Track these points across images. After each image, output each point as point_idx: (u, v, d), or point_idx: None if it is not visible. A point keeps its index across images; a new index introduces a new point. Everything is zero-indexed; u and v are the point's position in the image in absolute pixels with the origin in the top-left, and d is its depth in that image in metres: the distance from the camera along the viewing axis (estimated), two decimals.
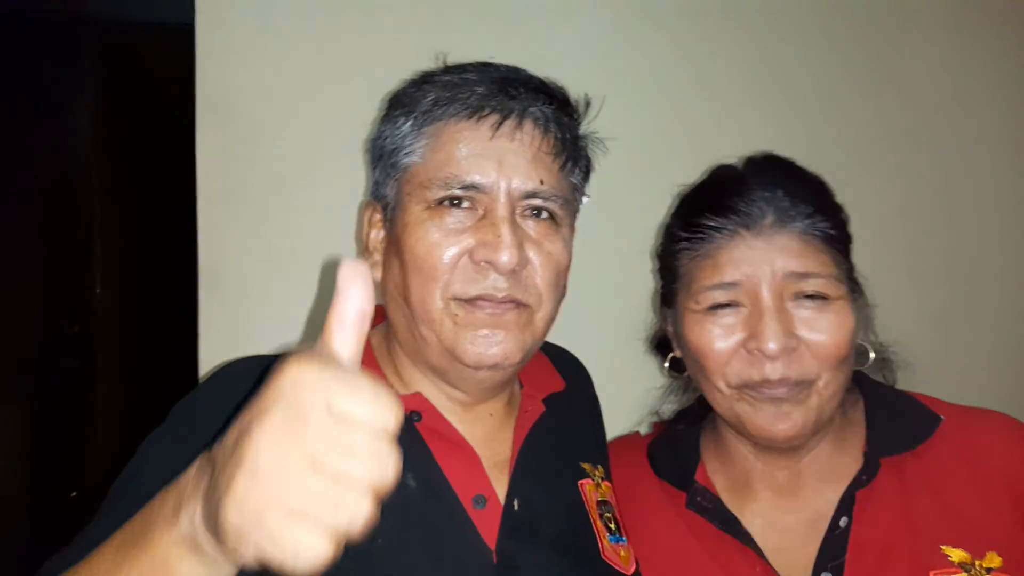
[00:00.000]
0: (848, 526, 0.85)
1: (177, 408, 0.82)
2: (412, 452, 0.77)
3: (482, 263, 0.77)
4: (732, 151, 1.20)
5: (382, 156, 0.83)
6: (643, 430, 1.09)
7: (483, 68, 0.82)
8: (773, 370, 0.83)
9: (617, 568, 0.83)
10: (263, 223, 1.29)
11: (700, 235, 0.87)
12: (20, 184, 1.90)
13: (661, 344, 0.99)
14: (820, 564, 0.83)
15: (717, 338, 0.86)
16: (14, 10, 1.70)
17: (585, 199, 0.91)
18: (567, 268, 0.84)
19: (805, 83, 1.50)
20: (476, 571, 0.75)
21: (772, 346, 0.82)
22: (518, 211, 0.80)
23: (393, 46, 1.31)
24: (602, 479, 0.91)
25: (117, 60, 2.16)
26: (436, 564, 0.75)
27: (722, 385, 0.87)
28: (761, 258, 0.85)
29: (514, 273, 0.78)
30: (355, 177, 1.25)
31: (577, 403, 0.96)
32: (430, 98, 0.81)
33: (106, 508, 0.78)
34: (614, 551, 0.84)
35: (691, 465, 0.93)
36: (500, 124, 0.79)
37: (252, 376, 0.77)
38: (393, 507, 0.69)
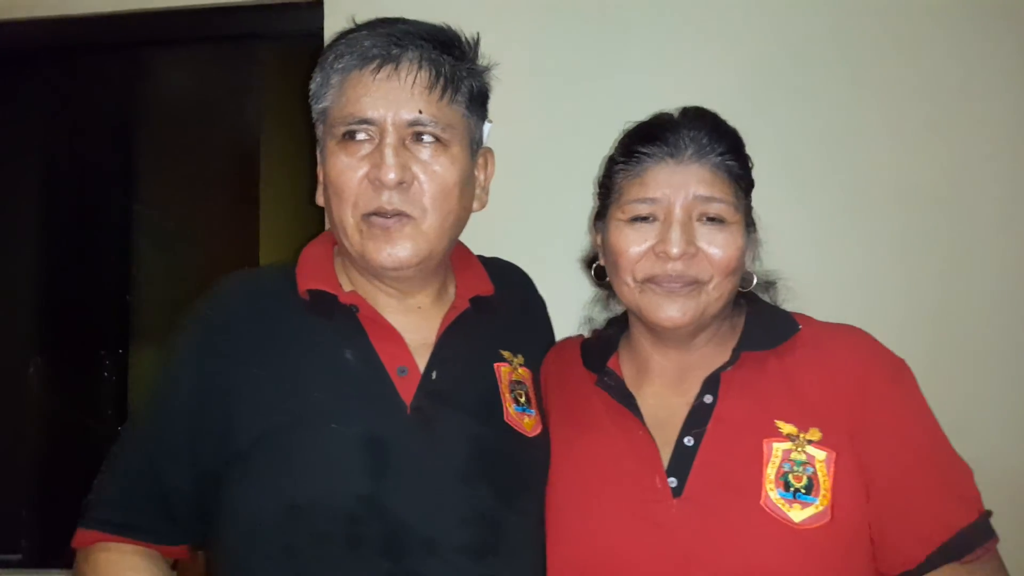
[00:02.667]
0: (713, 403, 1.06)
1: (185, 324, 1.07)
2: (352, 335, 1.04)
3: (376, 182, 0.99)
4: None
5: (311, 106, 1.07)
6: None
7: (375, 25, 1.04)
8: (673, 268, 1.03)
9: (517, 429, 1.07)
10: None
11: (635, 159, 1.08)
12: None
13: (592, 260, 1.20)
14: (685, 430, 1.05)
15: (633, 242, 1.06)
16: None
17: (487, 124, 1.13)
18: (457, 183, 1.04)
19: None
20: (393, 421, 1.00)
21: (675, 250, 1.02)
22: (406, 138, 1.01)
23: None
24: (521, 365, 1.14)
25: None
26: (362, 414, 1.00)
27: (629, 279, 1.06)
28: (679, 181, 1.05)
29: (403, 189, 1.00)
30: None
31: (508, 306, 1.18)
32: (333, 55, 1.04)
33: (137, 428, 1.04)
34: (518, 417, 1.08)
35: (607, 355, 1.15)
36: (380, 68, 1.01)
37: (250, 285, 1.09)
38: (334, 373, 0.93)
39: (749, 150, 1.11)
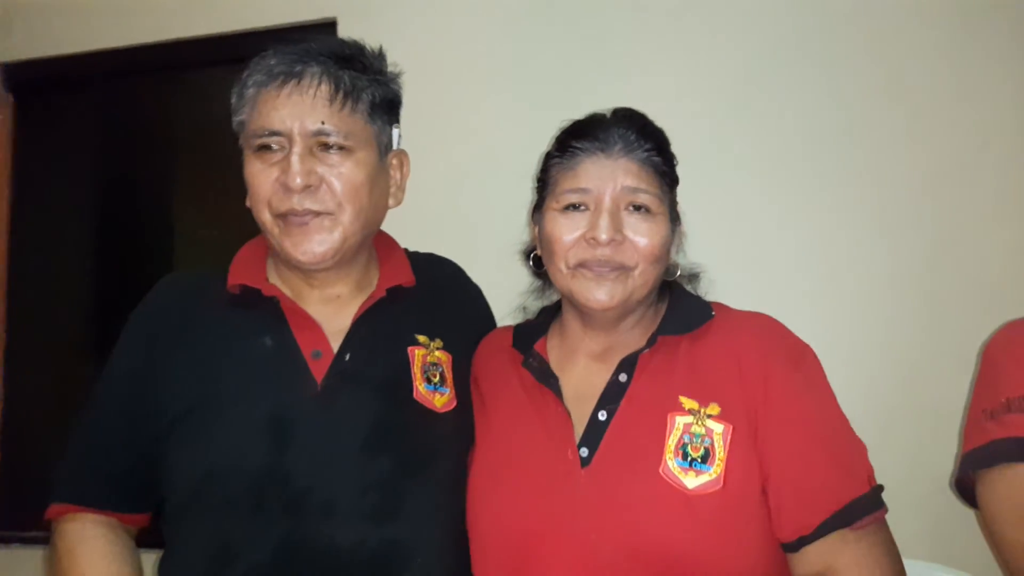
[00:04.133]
0: (627, 381, 1.12)
1: (130, 316, 1.21)
2: (272, 323, 1.14)
3: (284, 187, 1.09)
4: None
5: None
6: None
7: (283, 47, 1.13)
8: (602, 253, 1.09)
9: (426, 405, 1.15)
10: None
11: (569, 153, 1.15)
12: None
13: (531, 251, 1.27)
14: (600, 405, 1.11)
15: (566, 230, 1.13)
16: None
17: (395, 129, 1.22)
18: (364, 183, 1.13)
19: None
20: (303, 398, 1.10)
21: (604, 236, 1.08)
22: (313, 146, 1.10)
23: None
24: (439, 349, 1.21)
25: None
26: (274, 392, 1.10)
27: (563, 265, 1.13)
28: (609, 174, 1.11)
29: (311, 191, 1.09)
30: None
31: (431, 295, 1.26)
32: (247, 74, 1.13)
33: (90, 411, 1.17)
34: (428, 395, 1.15)
35: (536, 338, 1.22)
36: (285, 83, 1.10)
37: (185, 282, 1.21)
38: (251, 357, 1.05)
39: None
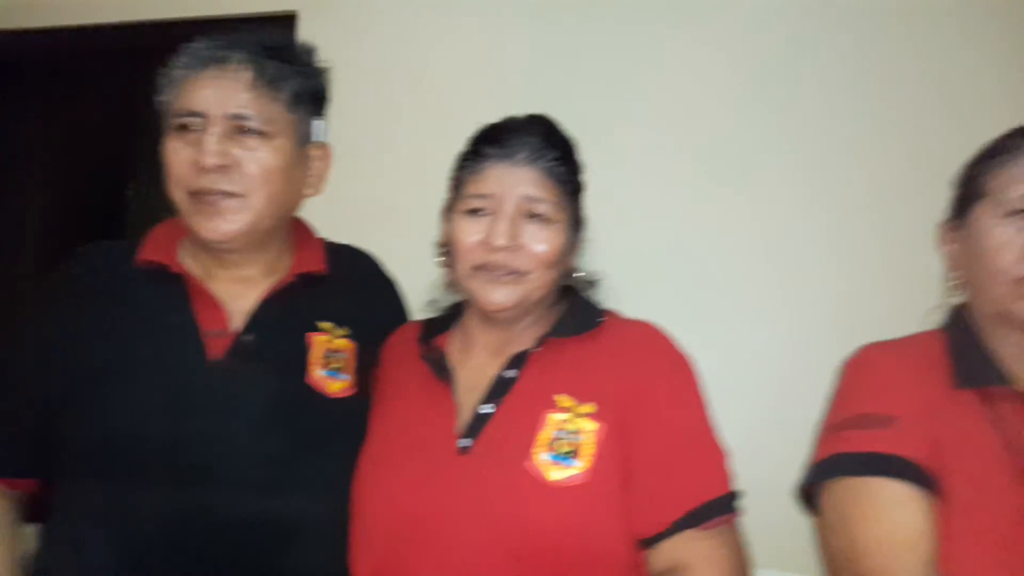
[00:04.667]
0: (514, 377, 1.19)
1: (44, 283, 1.25)
2: (176, 300, 1.20)
3: (197, 165, 1.14)
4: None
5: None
6: None
7: (212, 37, 1.19)
8: (499, 258, 1.15)
9: (317, 390, 1.21)
10: None
11: (478, 157, 1.21)
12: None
13: (444, 247, 1.31)
14: (485, 399, 1.18)
15: (469, 233, 1.18)
16: None
17: (319, 122, 1.27)
18: (280, 169, 1.18)
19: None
20: (199, 374, 1.16)
21: (500, 242, 1.14)
22: (232, 130, 1.16)
23: None
24: (343, 337, 1.27)
25: None
26: (171, 367, 1.16)
27: (464, 266, 1.18)
28: (511, 181, 1.16)
29: (224, 172, 1.14)
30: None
31: (343, 285, 1.32)
32: (176, 58, 1.19)
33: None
34: (322, 380, 1.21)
35: (438, 332, 1.29)
36: (209, 67, 1.16)
37: (100, 252, 1.26)
38: (152, 331, 1.12)
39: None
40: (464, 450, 1.13)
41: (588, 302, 1.28)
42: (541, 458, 1.10)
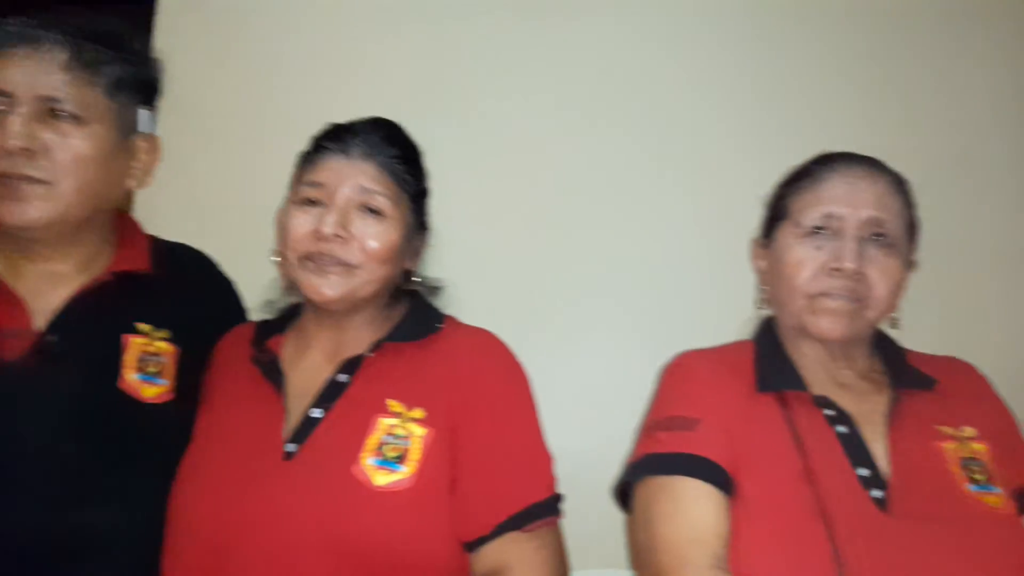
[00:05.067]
0: (347, 382, 1.16)
1: None
2: None
3: (3, 147, 1.06)
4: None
5: None
6: None
7: (32, 18, 1.11)
8: (327, 248, 1.13)
9: (130, 395, 1.13)
10: None
11: (317, 150, 1.20)
12: None
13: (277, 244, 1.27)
14: (316, 403, 1.15)
15: (300, 223, 1.15)
16: None
17: (145, 112, 1.21)
18: (94, 157, 1.11)
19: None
20: None
21: (327, 230, 1.12)
22: (43, 112, 1.09)
23: None
24: (163, 339, 1.20)
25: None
26: None
27: (293, 257, 1.16)
28: (346, 173, 1.15)
29: (31, 156, 1.07)
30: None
31: (168, 285, 1.25)
32: None
33: None
34: (137, 384, 1.14)
35: (271, 334, 1.25)
36: (20, 46, 1.09)
37: None
38: None
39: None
40: (289, 456, 1.10)
41: (427, 307, 1.28)
42: (368, 463, 1.09)
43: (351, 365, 1.18)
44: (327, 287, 1.14)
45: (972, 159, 1.74)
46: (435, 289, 1.31)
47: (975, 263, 1.72)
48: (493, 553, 1.10)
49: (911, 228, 1.25)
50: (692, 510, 1.10)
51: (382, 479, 1.07)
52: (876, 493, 1.09)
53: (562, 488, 1.17)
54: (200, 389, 1.23)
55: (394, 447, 1.10)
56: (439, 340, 1.21)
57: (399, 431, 1.11)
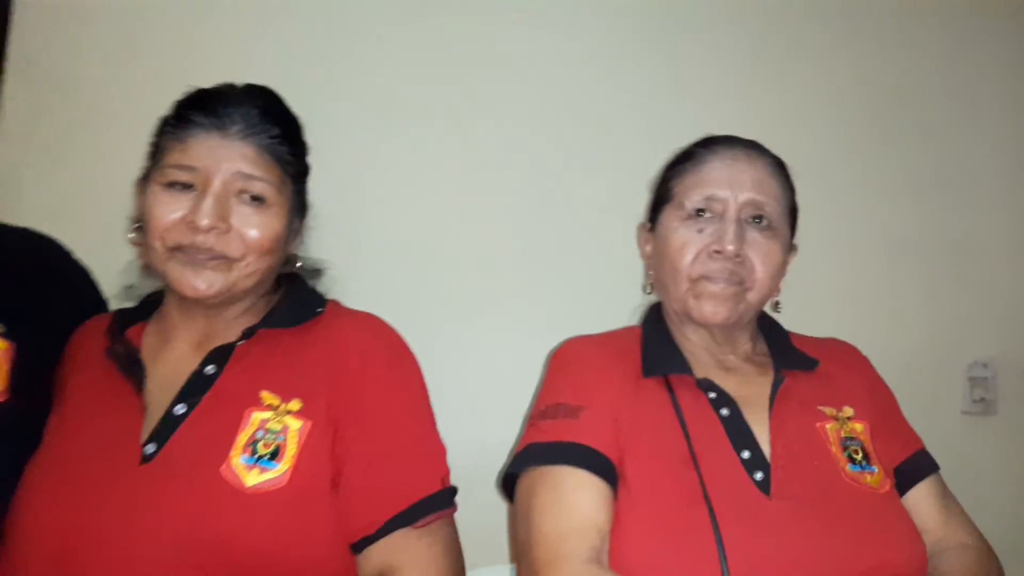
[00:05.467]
0: (215, 373, 1.06)
1: None
2: None
3: None
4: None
5: None
6: None
7: None
8: (203, 241, 1.02)
9: None
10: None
11: (184, 123, 1.06)
12: None
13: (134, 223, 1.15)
14: (179, 398, 1.04)
15: (168, 209, 1.03)
16: None
17: None
18: None
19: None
20: None
21: (205, 222, 1.01)
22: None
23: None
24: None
25: None
26: None
27: (159, 246, 1.04)
28: (223, 155, 1.04)
29: None
30: None
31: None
32: None
33: None
34: None
35: (129, 324, 1.13)
36: None
37: None
38: None
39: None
40: (148, 457, 0.99)
41: (307, 292, 1.19)
42: (238, 462, 0.99)
43: (220, 355, 1.08)
44: (202, 282, 1.04)
45: (856, 150, 1.81)
46: (316, 272, 1.22)
47: (861, 250, 1.79)
48: (381, 553, 1.02)
49: (791, 212, 1.26)
50: (570, 500, 1.05)
51: (254, 478, 0.98)
52: (758, 476, 1.08)
53: (460, 482, 1.11)
54: (48, 388, 1.11)
55: (267, 442, 1.01)
56: (319, 326, 1.13)
57: (273, 425, 1.03)
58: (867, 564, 1.01)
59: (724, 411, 1.15)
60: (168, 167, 1.05)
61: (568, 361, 1.23)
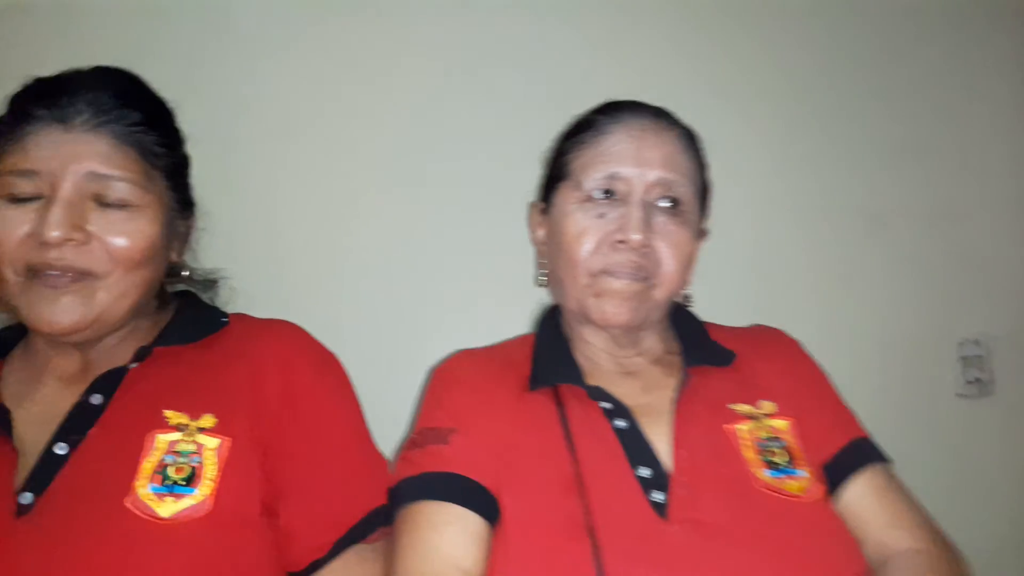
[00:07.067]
0: (103, 403, 0.92)
1: None
2: None
3: None
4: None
5: None
6: None
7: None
8: (58, 258, 0.87)
9: None
10: None
11: (22, 122, 0.90)
12: None
13: None
14: (58, 437, 0.89)
15: (11, 225, 0.87)
16: None
17: None
18: None
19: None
20: None
21: (55, 233, 0.85)
22: None
23: None
24: None
25: None
26: None
27: (11, 274, 0.89)
28: (69, 153, 0.88)
29: None
30: None
31: None
32: None
33: None
34: None
35: None
36: None
37: None
38: None
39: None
40: (25, 508, 0.85)
41: (206, 306, 1.07)
42: (146, 491, 0.86)
43: (109, 381, 0.93)
44: (60, 314, 0.88)
45: (829, 117, 1.70)
46: (211, 283, 1.11)
47: (837, 223, 1.68)
48: (332, 574, 0.92)
49: (703, 192, 1.11)
50: (430, 542, 0.93)
51: (169, 508, 0.85)
52: (657, 496, 0.94)
53: None
54: None
55: (179, 467, 0.89)
56: (227, 338, 1.00)
57: (185, 446, 0.90)
58: None
59: (620, 423, 1.00)
60: (5, 176, 0.89)
61: (442, 380, 1.10)
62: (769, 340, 1.15)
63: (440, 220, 1.54)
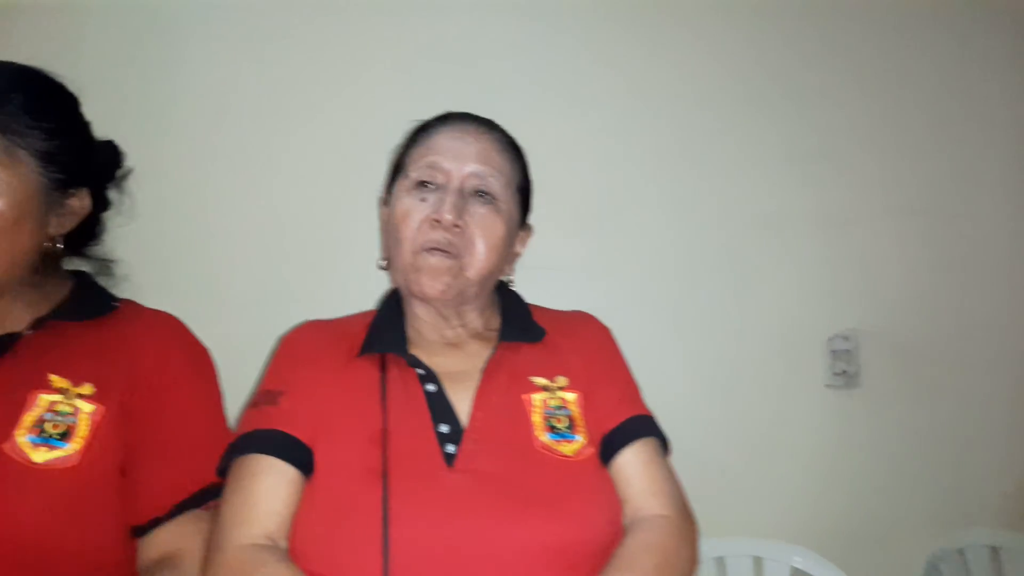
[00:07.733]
0: None
1: None
2: None
3: None
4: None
5: None
6: None
7: None
8: None
9: None
10: None
11: None
12: None
13: None
14: None
15: None
16: None
17: None
18: None
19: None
20: None
21: None
22: None
23: None
24: None
25: None
26: None
27: None
28: None
29: None
30: None
31: None
32: None
33: None
34: None
35: None
36: None
37: None
38: None
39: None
40: None
41: (99, 287, 1.20)
42: (24, 440, 1.01)
43: (1, 344, 1.07)
44: None
45: (725, 123, 1.82)
46: (106, 265, 1.23)
47: (727, 226, 1.81)
48: (167, 536, 1.06)
49: (521, 190, 1.25)
50: (249, 488, 1.06)
51: (42, 456, 1.00)
52: (450, 448, 1.08)
53: None
54: None
55: (56, 424, 1.03)
56: (115, 321, 1.15)
57: (63, 407, 1.05)
58: (548, 536, 1.00)
59: (430, 387, 1.15)
60: None
61: (283, 346, 1.24)
62: (579, 323, 1.30)
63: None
